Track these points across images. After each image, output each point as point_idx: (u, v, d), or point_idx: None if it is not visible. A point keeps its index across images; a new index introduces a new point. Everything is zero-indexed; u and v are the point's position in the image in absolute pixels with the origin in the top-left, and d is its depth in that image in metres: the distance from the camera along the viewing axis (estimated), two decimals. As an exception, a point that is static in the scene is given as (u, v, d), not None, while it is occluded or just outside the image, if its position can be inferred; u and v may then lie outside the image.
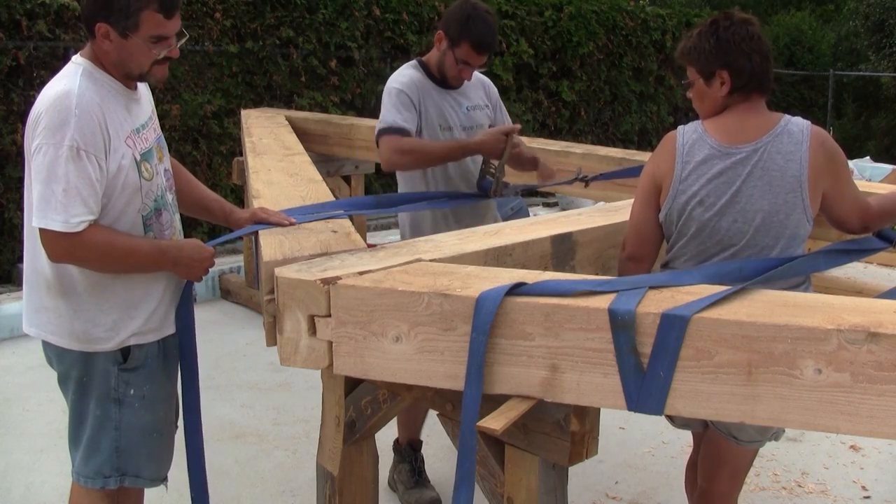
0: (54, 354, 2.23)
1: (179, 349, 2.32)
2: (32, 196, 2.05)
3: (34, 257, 2.17)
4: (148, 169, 2.19)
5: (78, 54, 2.17)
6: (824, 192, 2.16)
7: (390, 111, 2.98)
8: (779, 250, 2.16)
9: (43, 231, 2.03)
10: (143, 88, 2.31)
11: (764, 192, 2.13)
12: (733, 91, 2.19)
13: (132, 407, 2.22)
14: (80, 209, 2.00)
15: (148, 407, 2.25)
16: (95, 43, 2.11)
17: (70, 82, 2.07)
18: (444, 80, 3.05)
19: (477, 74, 3.18)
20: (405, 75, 3.05)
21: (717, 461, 2.36)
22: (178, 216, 2.37)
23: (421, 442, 3.38)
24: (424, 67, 3.09)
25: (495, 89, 3.28)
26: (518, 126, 2.99)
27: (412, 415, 3.29)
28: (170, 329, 2.29)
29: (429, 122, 3.02)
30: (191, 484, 2.38)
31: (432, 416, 3.16)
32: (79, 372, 2.20)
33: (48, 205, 2.00)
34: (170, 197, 2.31)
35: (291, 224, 2.28)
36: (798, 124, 2.16)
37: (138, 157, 2.16)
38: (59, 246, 2.03)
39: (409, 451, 3.33)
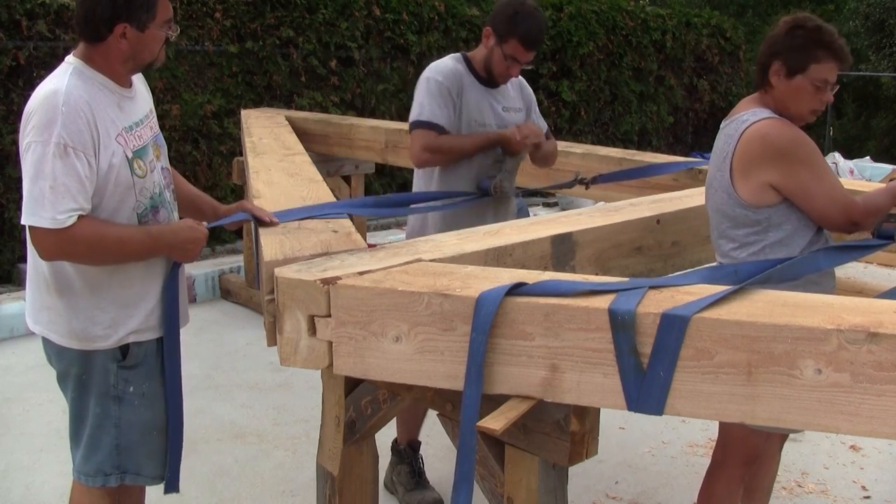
0: (54, 352, 2.23)
1: (165, 322, 2.27)
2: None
3: (35, 256, 2.17)
4: (141, 166, 2.18)
5: (70, 54, 2.17)
6: (774, 184, 2.26)
7: (427, 104, 2.91)
8: (716, 225, 2.42)
9: (32, 229, 2.02)
10: (141, 86, 2.32)
11: (712, 163, 2.45)
12: None
13: (132, 405, 2.23)
14: (69, 204, 2.00)
15: (147, 404, 2.25)
16: (106, 43, 2.11)
17: (59, 81, 2.08)
18: (489, 77, 3.00)
19: None
20: (447, 66, 2.98)
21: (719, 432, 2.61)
22: (176, 214, 2.36)
23: (420, 443, 3.37)
24: (468, 62, 3.03)
25: (531, 91, 3.24)
26: (542, 137, 3.02)
27: (412, 414, 3.28)
28: (169, 327, 2.29)
29: (465, 117, 2.97)
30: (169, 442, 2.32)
31: (432, 415, 3.16)
32: (78, 370, 2.20)
33: (35, 202, 2.00)
34: (168, 195, 2.31)
35: (273, 224, 2.24)
36: (754, 116, 2.32)
37: (130, 155, 2.15)
38: (49, 242, 2.02)
39: (408, 451, 3.32)
